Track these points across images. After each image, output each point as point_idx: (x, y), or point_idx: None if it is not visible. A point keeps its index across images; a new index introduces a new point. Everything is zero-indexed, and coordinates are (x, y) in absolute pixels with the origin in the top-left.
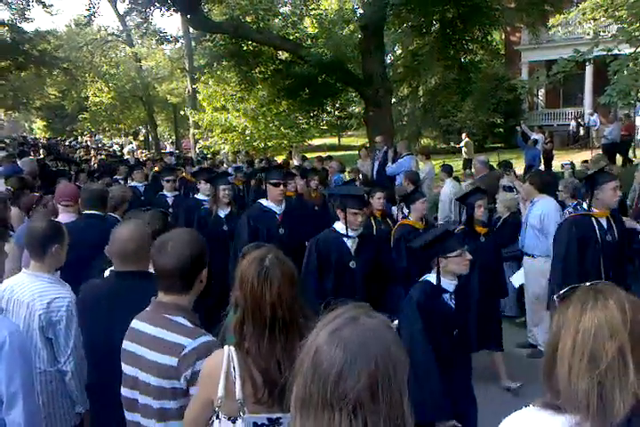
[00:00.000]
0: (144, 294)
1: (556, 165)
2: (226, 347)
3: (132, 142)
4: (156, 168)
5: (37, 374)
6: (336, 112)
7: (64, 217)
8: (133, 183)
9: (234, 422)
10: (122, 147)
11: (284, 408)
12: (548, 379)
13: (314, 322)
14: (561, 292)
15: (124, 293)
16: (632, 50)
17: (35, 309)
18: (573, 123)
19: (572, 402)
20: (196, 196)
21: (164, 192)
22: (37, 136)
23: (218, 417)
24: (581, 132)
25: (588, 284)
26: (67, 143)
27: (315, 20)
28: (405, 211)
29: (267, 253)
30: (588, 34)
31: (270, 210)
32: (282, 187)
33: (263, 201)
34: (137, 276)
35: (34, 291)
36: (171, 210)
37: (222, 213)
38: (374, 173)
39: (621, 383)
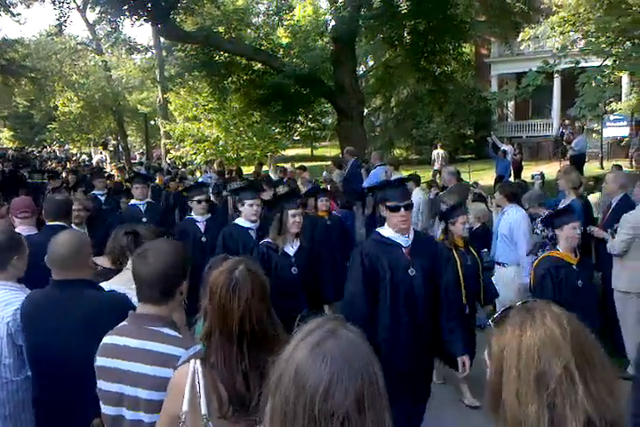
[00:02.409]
0: (86, 302)
1: (526, 175)
2: (192, 360)
3: (101, 152)
4: (159, 180)
5: (4, 384)
6: (309, 123)
7: (22, 229)
8: (133, 201)
9: None
10: (90, 157)
11: (251, 424)
12: (495, 407)
13: (285, 337)
14: (495, 315)
15: (65, 302)
16: (599, 62)
17: (1, 317)
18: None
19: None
20: (237, 222)
21: (193, 216)
22: (5, 146)
23: None
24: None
25: (519, 303)
26: (37, 153)
27: (288, 31)
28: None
29: (238, 264)
30: (557, 48)
31: (394, 242)
32: (403, 211)
33: (384, 230)
34: (77, 284)
35: None
36: (204, 239)
37: (290, 249)
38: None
39: (571, 402)
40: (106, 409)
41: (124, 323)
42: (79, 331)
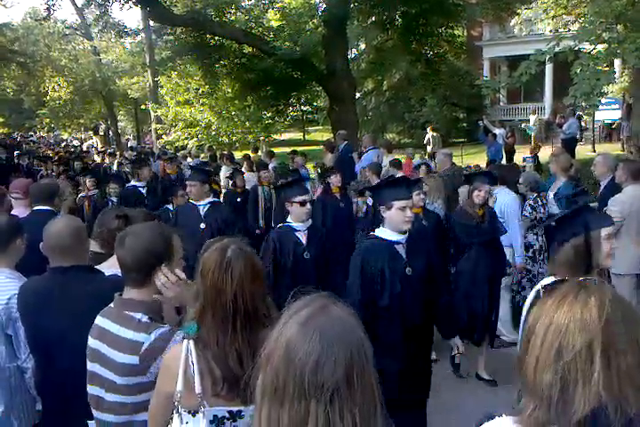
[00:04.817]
0: (88, 287)
1: (518, 158)
2: (185, 341)
3: (92, 137)
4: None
5: None
6: (301, 107)
7: (18, 211)
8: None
9: (194, 415)
10: (82, 142)
11: (244, 401)
12: (520, 370)
13: (278, 316)
14: (547, 283)
15: (67, 288)
16: (592, 46)
17: None
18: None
19: (535, 394)
20: (379, 233)
21: (291, 223)
22: None
23: (177, 411)
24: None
25: (581, 278)
26: (30, 140)
27: (279, 14)
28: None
29: (230, 243)
30: (550, 31)
31: None
32: None
33: None
34: (78, 270)
35: None
36: (307, 255)
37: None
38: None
39: (585, 380)
40: (90, 389)
41: (110, 305)
42: (82, 316)
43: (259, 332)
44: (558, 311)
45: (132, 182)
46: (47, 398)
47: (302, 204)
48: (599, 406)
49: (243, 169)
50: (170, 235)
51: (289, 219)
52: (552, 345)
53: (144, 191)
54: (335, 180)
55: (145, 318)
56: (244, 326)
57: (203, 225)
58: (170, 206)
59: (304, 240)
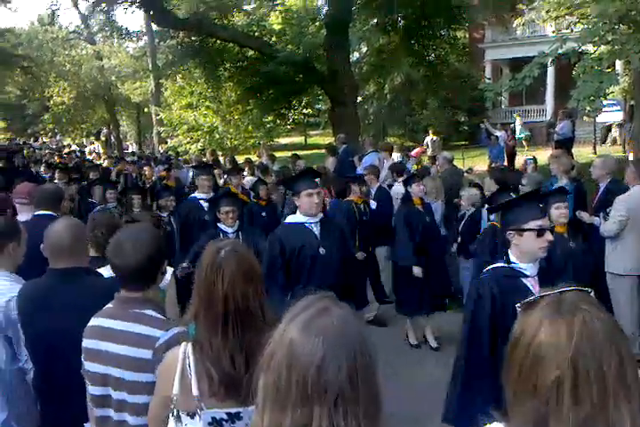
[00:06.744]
0: (88, 289)
1: (519, 161)
2: (183, 343)
3: (93, 143)
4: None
5: None
6: (303, 110)
7: (23, 217)
8: (298, 218)
9: (192, 417)
10: (84, 146)
11: (242, 402)
12: (504, 373)
13: (273, 319)
14: (526, 300)
15: (64, 290)
16: (595, 47)
17: None
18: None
19: (517, 408)
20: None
21: (516, 263)
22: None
23: (174, 414)
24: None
25: (557, 291)
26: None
27: (281, 17)
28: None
29: (225, 244)
30: (553, 32)
31: None
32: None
33: None
34: (76, 272)
35: None
36: None
37: None
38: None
39: (557, 416)
40: (92, 390)
41: (109, 305)
42: (82, 318)
43: (252, 334)
44: (538, 333)
45: (194, 194)
46: (45, 401)
47: (540, 233)
48: None
49: (245, 173)
50: (160, 234)
51: (511, 257)
52: (529, 378)
53: (205, 205)
54: (417, 189)
55: (157, 314)
56: (235, 328)
57: (322, 250)
58: (223, 226)
59: (535, 290)
